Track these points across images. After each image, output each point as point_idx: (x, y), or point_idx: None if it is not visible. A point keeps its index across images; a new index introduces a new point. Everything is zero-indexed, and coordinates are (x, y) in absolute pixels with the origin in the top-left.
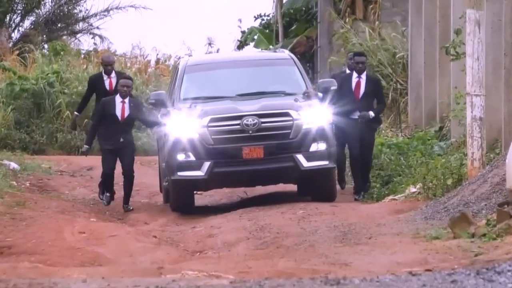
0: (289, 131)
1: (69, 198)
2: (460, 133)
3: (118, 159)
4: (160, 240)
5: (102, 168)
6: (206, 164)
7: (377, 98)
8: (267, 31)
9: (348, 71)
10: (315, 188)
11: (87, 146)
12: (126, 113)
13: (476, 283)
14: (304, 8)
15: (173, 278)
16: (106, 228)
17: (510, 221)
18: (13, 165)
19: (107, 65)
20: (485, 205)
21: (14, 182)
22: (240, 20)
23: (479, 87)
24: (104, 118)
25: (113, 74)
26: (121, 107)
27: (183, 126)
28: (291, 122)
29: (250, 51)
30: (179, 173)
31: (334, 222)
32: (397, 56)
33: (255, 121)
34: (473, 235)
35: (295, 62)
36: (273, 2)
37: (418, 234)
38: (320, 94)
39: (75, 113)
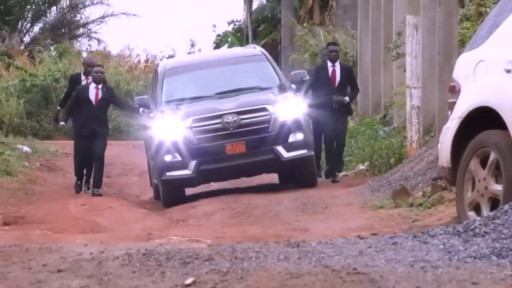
0: (268, 125)
1: (73, 176)
2: (401, 120)
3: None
4: (149, 211)
5: (75, 156)
6: (193, 163)
7: (351, 85)
8: (239, 34)
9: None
10: (297, 176)
11: (63, 123)
12: (100, 96)
13: (413, 244)
14: (270, 15)
15: (160, 243)
16: (104, 201)
17: (442, 193)
18: (26, 148)
19: (89, 66)
20: (422, 179)
21: (26, 163)
22: (214, 25)
23: (416, 80)
24: (79, 104)
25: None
26: (95, 92)
27: (168, 128)
28: (269, 117)
29: (224, 50)
30: (168, 174)
31: (296, 195)
32: (348, 55)
33: (235, 118)
34: (411, 205)
35: (267, 57)
36: (244, 10)
37: (365, 205)
38: (294, 86)
39: (58, 107)
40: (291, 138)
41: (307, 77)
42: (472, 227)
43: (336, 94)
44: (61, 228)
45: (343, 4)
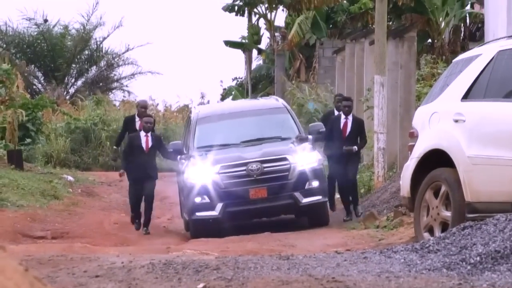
0: (287, 173)
1: (107, 200)
2: (369, 158)
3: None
4: (168, 229)
5: (129, 198)
6: (219, 205)
7: (360, 136)
8: (240, 88)
9: (335, 111)
10: (311, 217)
11: (123, 170)
12: (150, 144)
13: (380, 258)
14: (265, 74)
15: (177, 255)
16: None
17: (403, 217)
18: (70, 178)
19: (142, 108)
20: (386, 206)
21: (70, 189)
22: (221, 81)
23: (382, 127)
24: (132, 150)
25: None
26: (145, 140)
27: (198, 173)
28: (288, 165)
29: (249, 101)
30: (197, 214)
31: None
32: (328, 106)
33: (258, 166)
34: (378, 227)
35: (287, 110)
36: (245, 69)
37: (341, 226)
38: (311, 137)
39: (114, 147)
40: (308, 185)
41: (323, 129)
42: (427, 245)
43: (346, 144)
44: (98, 241)
45: (324, 65)
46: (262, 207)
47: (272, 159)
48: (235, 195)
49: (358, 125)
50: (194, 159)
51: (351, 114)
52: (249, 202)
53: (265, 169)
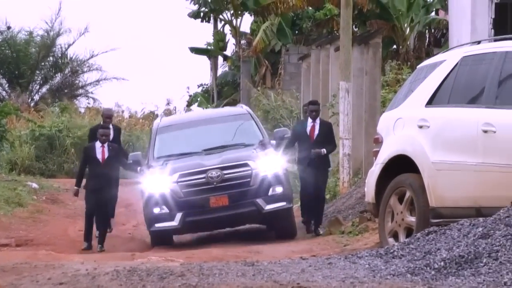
0: (249, 179)
1: (72, 208)
2: (335, 164)
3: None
4: (133, 236)
5: (85, 208)
6: (179, 215)
7: (328, 140)
8: (206, 95)
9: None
10: (277, 226)
11: (76, 188)
12: (106, 155)
13: (344, 264)
14: (231, 80)
15: (142, 261)
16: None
17: (368, 223)
18: (34, 185)
19: (107, 118)
20: (351, 212)
21: (35, 197)
22: (188, 87)
23: (348, 133)
24: (89, 162)
25: (110, 126)
26: (101, 151)
27: (156, 183)
28: (250, 171)
29: (215, 109)
30: (156, 225)
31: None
32: (293, 113)
33: (218, 173)
34: (343, 232)
35: (251, 116)
36: (211, 75)
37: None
38: (274, 142)
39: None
40: (271, 191)
41: (288, 134)
42: (392, 250)
43: (314, 147)
44: (62, 249)
45: (290, 72)
46: (223, 215)
47: (233, 165)
48: (195, 204)
49: (327, 128)
50: (152, 169)
51: (318, 118)
52: (210, 211)
53: (226, 176)
